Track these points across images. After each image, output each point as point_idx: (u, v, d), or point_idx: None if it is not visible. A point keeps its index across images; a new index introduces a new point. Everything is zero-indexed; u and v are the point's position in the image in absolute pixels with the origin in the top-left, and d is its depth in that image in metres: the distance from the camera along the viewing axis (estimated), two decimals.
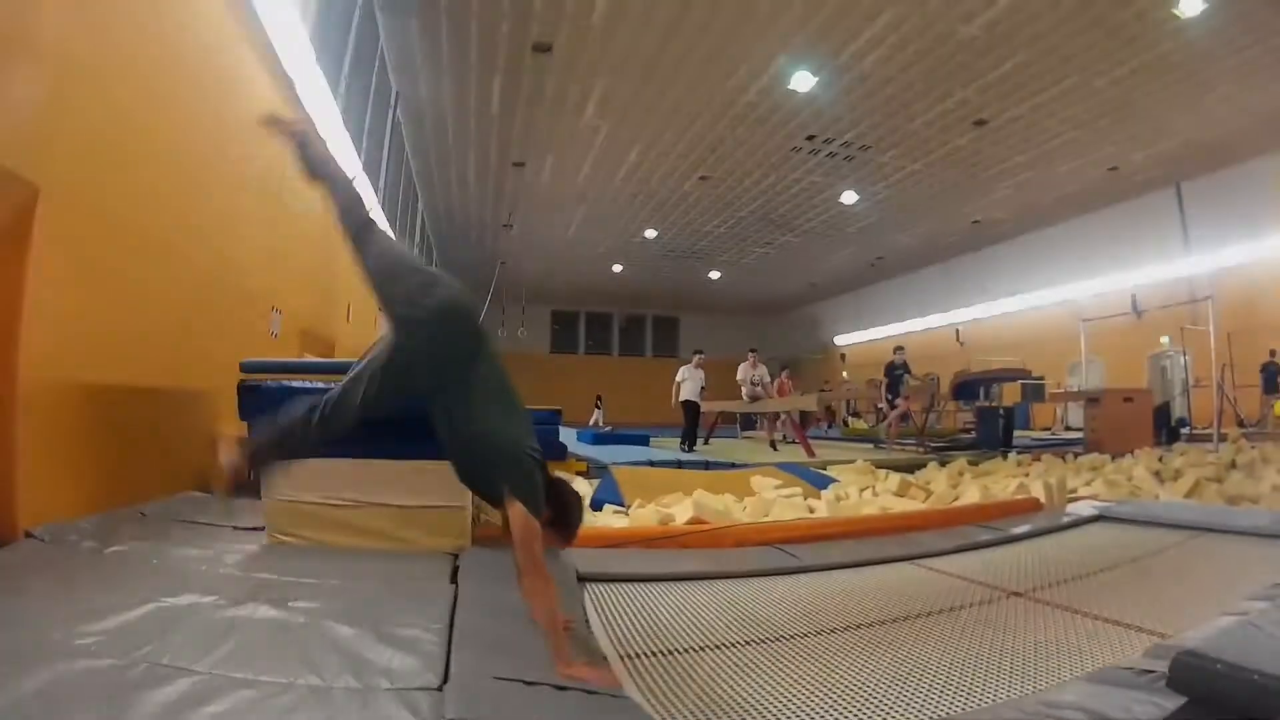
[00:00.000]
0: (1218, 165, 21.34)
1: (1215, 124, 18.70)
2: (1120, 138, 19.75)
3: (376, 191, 15.14)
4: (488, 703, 2.37)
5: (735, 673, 3.25)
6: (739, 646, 3.60)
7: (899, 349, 18.54)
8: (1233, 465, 11.30)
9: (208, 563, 4.17)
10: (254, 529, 4.97)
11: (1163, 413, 18.83)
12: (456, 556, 4.61)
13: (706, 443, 17.15)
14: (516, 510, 3.09)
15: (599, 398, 31.57)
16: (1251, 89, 16.77)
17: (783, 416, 18.52)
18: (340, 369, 4.84)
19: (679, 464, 11.84)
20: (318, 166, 4.00)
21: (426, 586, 3.89)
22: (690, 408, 16.76)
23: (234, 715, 2.25)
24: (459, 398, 3.41)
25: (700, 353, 17.50)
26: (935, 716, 2.92)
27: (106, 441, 5.16)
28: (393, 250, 3.85)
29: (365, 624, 3.04)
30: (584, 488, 9.16)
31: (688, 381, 16.91)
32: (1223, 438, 15.37)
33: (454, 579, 4.10)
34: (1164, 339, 23.28)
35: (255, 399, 4.67)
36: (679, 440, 16.46)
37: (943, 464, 12.52)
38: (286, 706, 2.32)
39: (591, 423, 28.19)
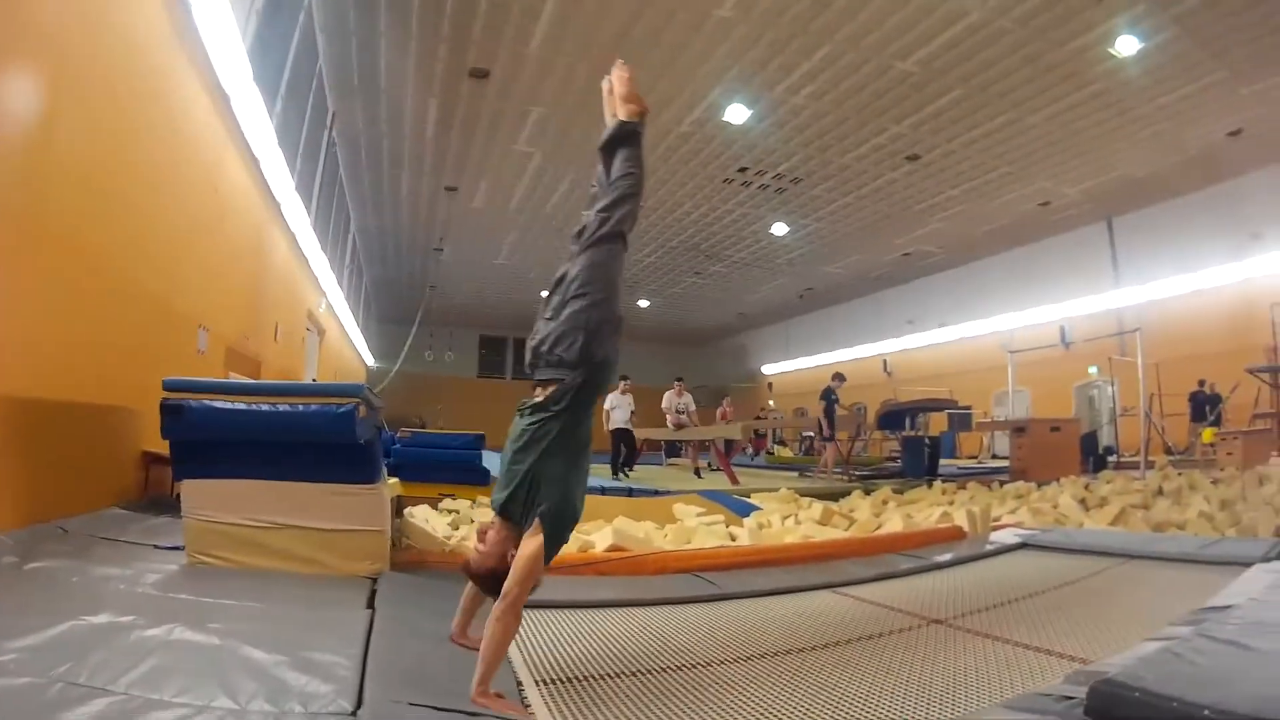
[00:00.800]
0: (1149, 201, 21.86)
1: (1148, 160, 19.18)
2: (1053, 173, 20.16)
3: (309, 211, 15.02)
4: None
5: (652, 700, 3.25)
6: (656, 674, 3.59)
7: (837, 375, 18.71)
8: (1160, 492, 11.36)
9: (127, 582, 4.14)
10: (174, 548, 4.93)
11: (1090, 441, 19.17)
12: (375, 580, 4.62)
13: (630, 470, 17.22)
14: (534, 542, 3.11)
15: None
16: (1184, 126, 17.21)
17: (710, 444, 18.65)
18: (268, 390, 4.85)
19: (602, 490, 11.82)
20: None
21: (343, 611, 3.89)
22: (621, 435, 16.89)
23: None
24: (569, 427, 3.36)
25: (626, 379, 17.53)
26: None
27: (27, 455, 5.10)
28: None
29: (281, 647, 3.03)
30: None
31: (617, 409, 17.00)
32: (1150, 465, 15.55)
33: (370, 603, 4.11)
34: (1092, 369, 23.66)
35: (178, 419, 4.64)
36: (613, 469, 16.55)
37: (867, 492, 12.63)
38: None
39: None
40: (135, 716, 2.35)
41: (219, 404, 4.67)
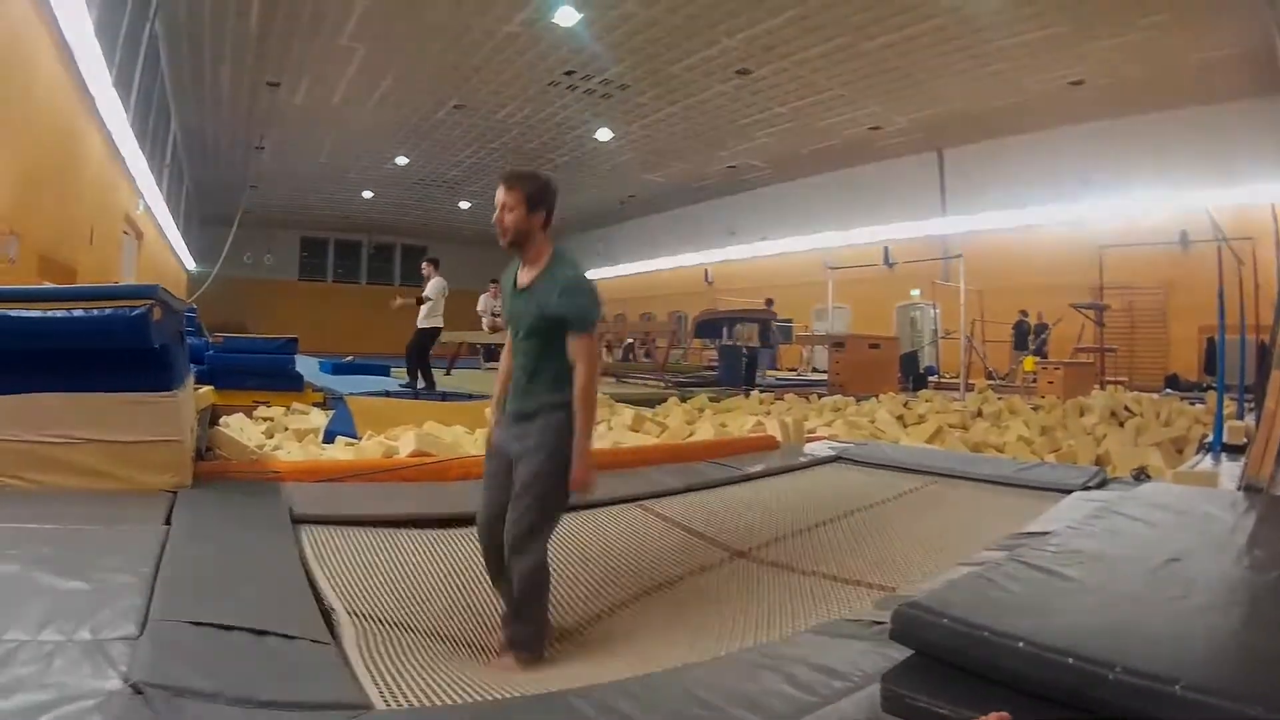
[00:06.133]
0: (983, 136, 22.65)
1: (985, 98, 19.88)
2: (886, 100, 20.67)
3: (128, 109, 14.36)
4: (181, 650, 2.36)
5: (456, 629, 3.32)
6: (458, 598, 3.66)
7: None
8: (979, 414, 11.54)
9: None
10: None
11: (910, 360, 19.85)
12: (175, 494, 4.48)
13: (449, 373, 16.67)
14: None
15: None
16: (1025, 71, 17.89)
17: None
18: (59, 296, 4.62)
19: (415, 394, 11.66)
20: None
21: (140, 528, 3.77)
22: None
23: None
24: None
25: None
26: (661, 669, 2.85)
27: None
28: None
29: (77, 571, 2.93)
30: (318, 419, 8.96)
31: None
32: (970, 388, 15.97)
33: (169, 519, 3.99)
34: (914, 291, 24.42)
35: None
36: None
37: (683, 400, 12.64)
38: None
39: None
40: None
41: (11, 313, 4.40)
